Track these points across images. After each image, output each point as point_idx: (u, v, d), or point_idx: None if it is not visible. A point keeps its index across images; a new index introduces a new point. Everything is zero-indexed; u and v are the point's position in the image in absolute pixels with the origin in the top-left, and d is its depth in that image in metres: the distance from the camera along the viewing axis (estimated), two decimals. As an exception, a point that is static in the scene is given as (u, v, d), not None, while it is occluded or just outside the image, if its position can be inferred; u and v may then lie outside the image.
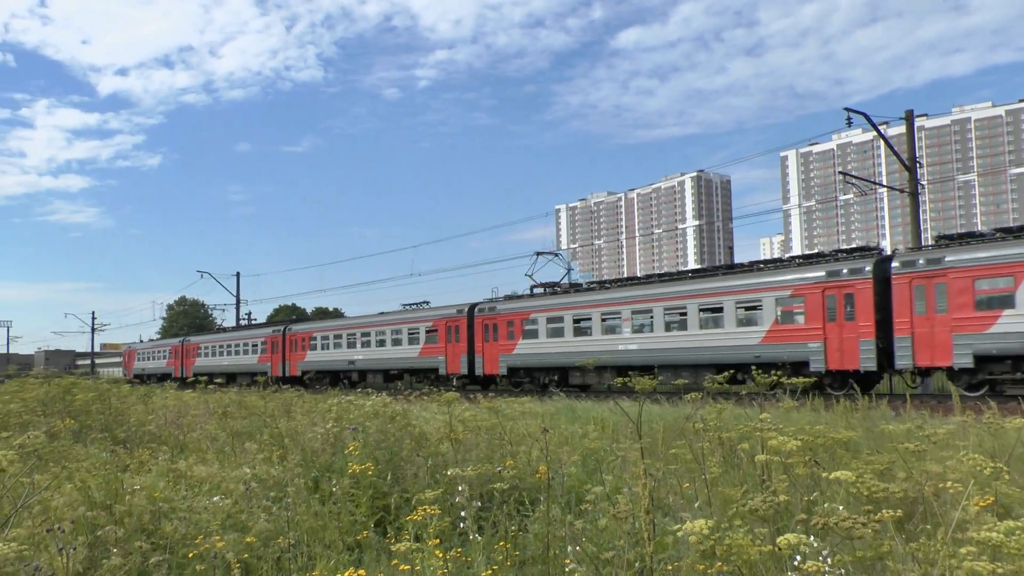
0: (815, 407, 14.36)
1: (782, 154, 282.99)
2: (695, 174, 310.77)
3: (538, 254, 44.00)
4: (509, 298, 40.14)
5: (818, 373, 26.07)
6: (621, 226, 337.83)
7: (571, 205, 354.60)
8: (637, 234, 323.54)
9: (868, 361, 25.31)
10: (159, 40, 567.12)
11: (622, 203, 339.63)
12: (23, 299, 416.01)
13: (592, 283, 38.31)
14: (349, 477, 6.99)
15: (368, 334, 47.61)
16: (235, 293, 78.84)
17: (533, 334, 36.47)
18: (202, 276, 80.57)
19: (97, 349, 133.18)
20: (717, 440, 6.76)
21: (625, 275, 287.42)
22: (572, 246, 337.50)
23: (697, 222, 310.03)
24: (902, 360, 24.75)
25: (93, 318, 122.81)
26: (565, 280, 42.55)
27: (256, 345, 58.92)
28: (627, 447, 7.00)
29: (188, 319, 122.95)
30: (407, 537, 5.68)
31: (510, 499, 6.23)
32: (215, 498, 6.57)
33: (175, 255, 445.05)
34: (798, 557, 3.49)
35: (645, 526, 4.45)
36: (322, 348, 51.55)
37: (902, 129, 35.32)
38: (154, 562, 5.49)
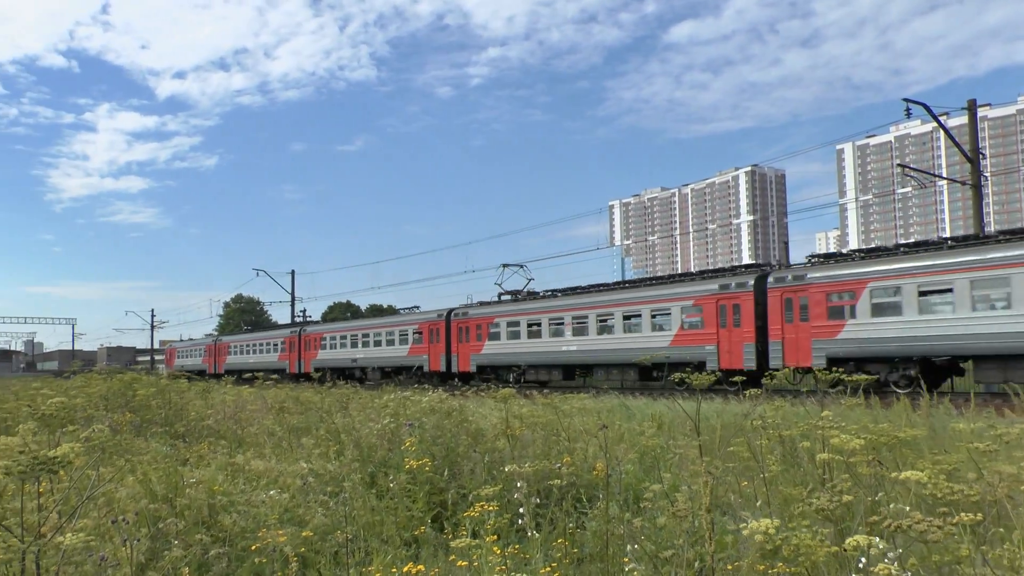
0: (870, 405, 14.07)
1: (838, 147, 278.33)
2: (749, 168, 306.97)
3: (504, 266, 49.65)
4: (481, 304, 45.63)
5: (713, 371, 25.79)
6: (675, 222, 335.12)
7: (624, 201, 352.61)
8: (691, 230, 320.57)
9: (750, 362, 29.37)
10: (215, 43, 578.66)
11: (676, 199, 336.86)
12: (87, 297, 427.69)
13: (546, 292, 42.66)
14: (406, 473, 6.99)
15: (368, 335, 53.36)
16: (290, 290, 79.85)
17: (496, 336, 41.87)
18: (258, 274, 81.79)
19: (156, 346, 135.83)
20: (777, 438, 6.63)
21: (679, 271, 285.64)
22: (625, 242, 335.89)
23: (751, 217, 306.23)
24: (774, 361, 28.68)
25: (152, 316, 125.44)
26: (528, 288, 46.82)
27: (277, 344, 64.84)
28: (685, 444, 6.90)
29: (244, 316, 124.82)
30: (464, 533, 5.66)
31: (568, 496, 6.17)
32: (272, 492, 6.62)
33: (231, 253, 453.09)
34: (863, 559, 3.39)
35: (706, 525, 4.36)
36: (330, 347, 57.22)
37: (964, 119, 34.38)
38: (214, 554, 5.55)
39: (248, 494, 6.48)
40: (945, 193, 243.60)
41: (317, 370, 52.35)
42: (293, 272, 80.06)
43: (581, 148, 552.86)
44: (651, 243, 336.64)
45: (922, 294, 25.31)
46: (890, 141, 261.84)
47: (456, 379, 44.12)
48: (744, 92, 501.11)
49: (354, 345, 53.86)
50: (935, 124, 34.74)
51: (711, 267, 36.23)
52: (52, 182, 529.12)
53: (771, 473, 6.23)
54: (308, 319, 78.15)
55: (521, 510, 5.66)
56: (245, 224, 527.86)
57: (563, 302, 38.68)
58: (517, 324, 40.26)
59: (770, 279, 29.67)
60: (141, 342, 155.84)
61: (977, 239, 26.40)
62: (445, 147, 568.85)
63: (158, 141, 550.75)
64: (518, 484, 5.73)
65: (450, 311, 45.95)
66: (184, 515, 6.06)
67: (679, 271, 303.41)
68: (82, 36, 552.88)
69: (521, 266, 49.62)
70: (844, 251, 31.51)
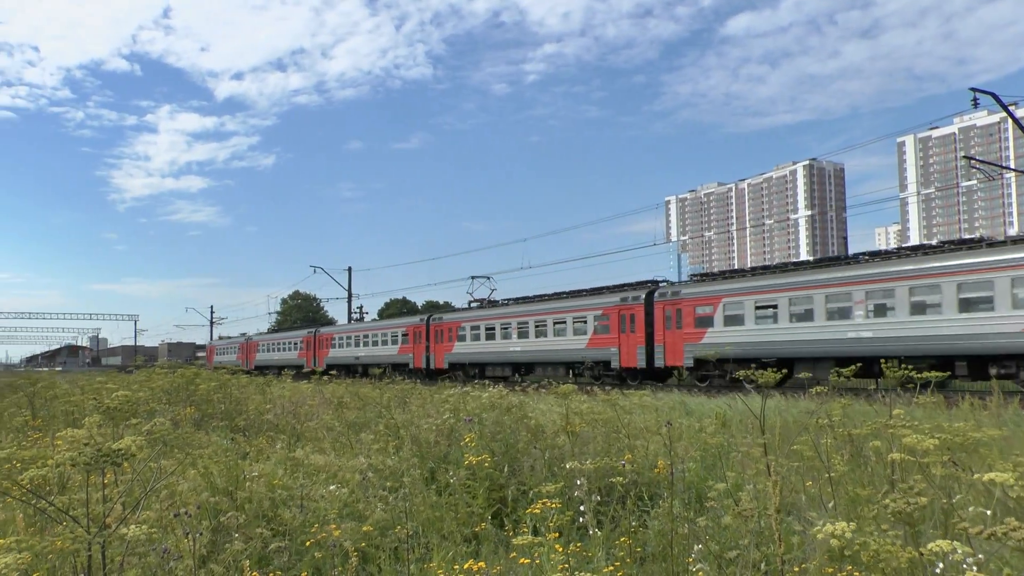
0: (935, 403, 13.69)
1: (899, 139, 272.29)
2: (807, 162, 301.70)
3: (473, 278, 56.03)
4: (453, 310, 54.36)
5: (616, 369, 37.80)
6: (731, 217, 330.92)
7: (681, 196, 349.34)
8: (748, 225, 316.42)
9: (641, 361, 36.41)
10: (273, 44, 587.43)
11: (732, 194, 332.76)
12: (149, 294, 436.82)
13: (504, 300, 49.71)
14: (465, 469, 6.94)
15: (367, 336, 59.13)
16: (347, 287, 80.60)
17: (463, 338, 48.69)
18: (315, 271, 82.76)
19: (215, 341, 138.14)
20: (844, 437, 6.44)
21: (736, 267, 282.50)
22: (682, 238, 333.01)
23: (809, 212, 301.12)
24: (658, 361, 35.69)
25: (212, 312, 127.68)
26: (491, 297, 53.92)
27: (296, 343, 69.86)
28: (750, 443, 6.75)
29: (301, 313, 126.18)
30: (525, 530, 5.59)
31: (631, 494, 6.06)
32: (332, 487, 6.62)
33: (289, 251, 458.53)
34: (940, 565, 3.25)
35: (776, 526, 4.23)
36: (339, 347, 62.58)
37: (1034, 110, 33.35)
38: (274, 548, 5.55)
39: (308, 488, 6.48)
40: (1013, 186, 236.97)
41: (328, 366, 54.78)
42: (350, 269, 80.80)
43: (637, 143, 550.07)
44: (707, 239, 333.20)
45: (758, 308, 31.60)
46: (954, 133, 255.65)
47: (434, 374, 49.24)
48: (802, 85, 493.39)
49: (358, 344, 60.47)
50: (1002, 114, 33.83)
51: (558, 292, 45.19)
52: (116, 182, 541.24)
53: (836, 473, 6.05)
54: (364, 315, 78.94)
55: (583, 507, 5.58)
56: (302, 222, 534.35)
57: (511, 310, 45.44)
58: (478, 328, 47.05)
59: (656, 294, 36.70)
60: (201, 338, 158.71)
61: (798, 264, 33.44)
62: (501, 144, 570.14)
63: (217, 141, 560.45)
64: (578, 481, 5.64)
65: (429, 316, 53.45)
66: (244, 508, 6.08)
67: (736, 267, 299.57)
68: (144, 40, 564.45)
69: (487, 277, 56.54)
70: (714, 271, 41.17)
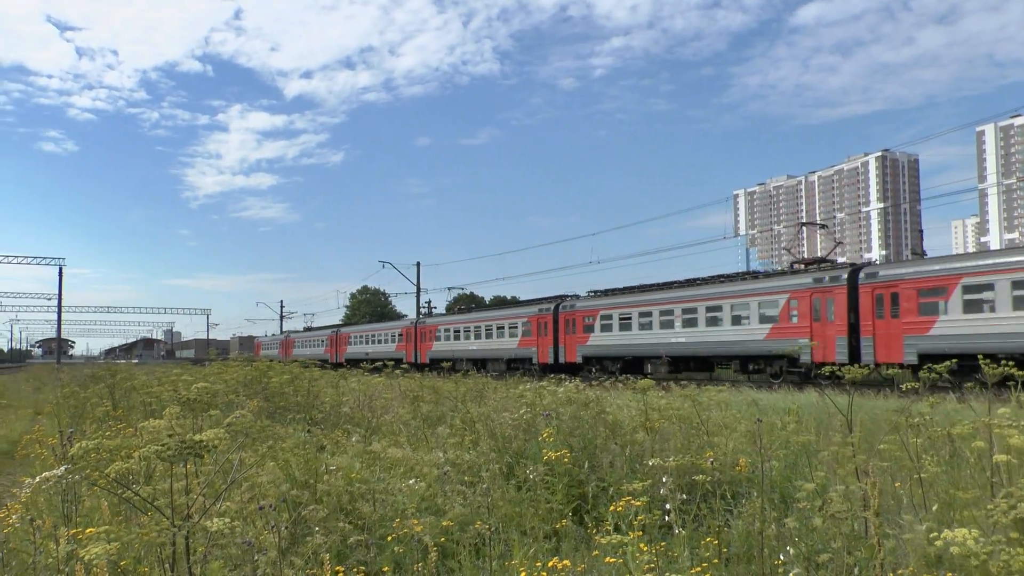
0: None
1: (978, 129, 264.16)
2: (880, 154, 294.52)
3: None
4: (431, 315, 64.45)
5: (535, 365, 46.84)
6: (801, 210, 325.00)
7: (749, 190, 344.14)
8: (818, 219, 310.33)
9: (552, 358, 46.15)
10: (342, 43, 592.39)
11: (802, 186, 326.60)
12: (221, 289, 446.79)
13: (470, 305, 59.86)
14: (544, 464, 6.84)
15: (480, 327, 55.73)
16: (415, 282, 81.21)
17: (439, 338, 58.33)
18: (384, 266, 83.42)
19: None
20: (940, 436, 6.18)
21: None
22: (750, 232, 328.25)
23: (882, 205, 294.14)
24: (562, 358, 45.39)
25: (281, 306, 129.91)
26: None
27: (394, 335, 67.79)
28: (840, 441, 6.51)
29: (370, 307, 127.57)
30: (608, 527, 5.47)
31: (716, 492, 5.90)
32: (411, 481, 6.58)
33: (357, 246, 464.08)
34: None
35: (875, 529, 4.04)
36: (445, 339, 60.25)
37: (1125, 98, 31.77)
38: (353, 542, 5.53)
39: (386, 482, 6.45)
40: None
41: (432, 360, 58.90)
42: (418, 264, 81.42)
43: (705, 137, 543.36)
44: (776, 232, 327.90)
45: (621, 319, 41.06)
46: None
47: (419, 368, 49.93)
48: (875, 74, 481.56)
49: (468, 337, 55.75)
50: (1092, 102, 32.39)
51: (501, 301, 49.36)
52: (188, 180, 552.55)
53: (929, 474, 5.81)
54: (432, 310, 79.35)
55: (668, 506, 5.44)
56: (370, 218, 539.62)
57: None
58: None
59: (560, 307, 47.08)
60: (272, 332, 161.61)
61: (655, 286, 41.43)
62: (568, 139, 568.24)
63: (286, 139, 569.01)
64: (663, 479, 5.50)
65: (415, 320, 56.32)
66: (323, 501, 6.07)
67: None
68: (216, 41, 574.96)
69: (462, 289, 59.70)
70: (605, 289, 47.08)
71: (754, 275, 38.04)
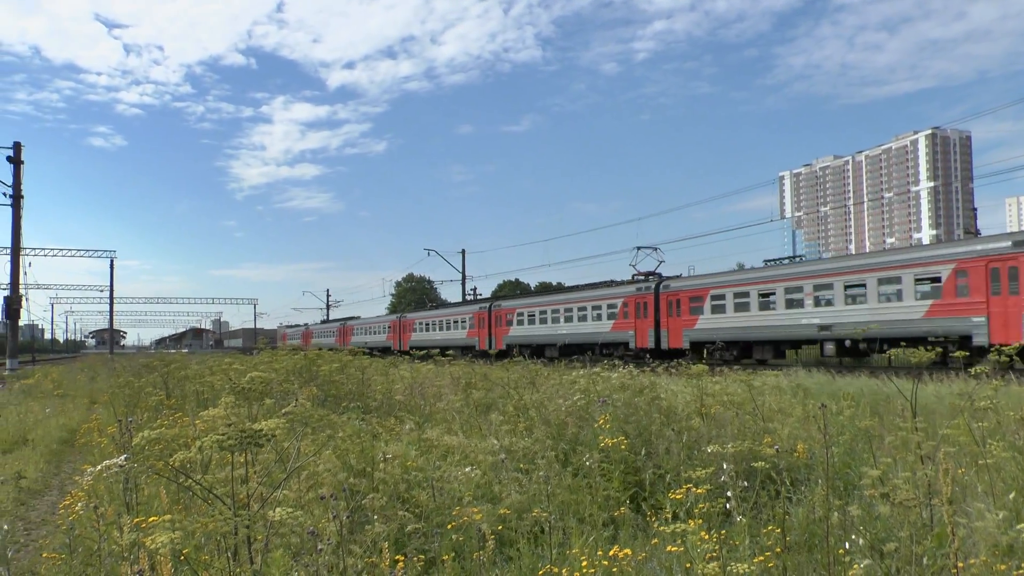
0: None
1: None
2: (930, 132, 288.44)
3: (638, 248, 54.43)
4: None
5: (631, 350, 42.03)
6: (848, 192, 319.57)
7: (795, 171, 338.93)
8: (865, 199, 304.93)
9: (652, 342, 41.02)
10: (383, 33, 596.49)
11: (849, 167, 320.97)
12: (268, 279, 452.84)
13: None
14: (600, 451, 6.79)
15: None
16: (460, 269, 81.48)
17: (516, 323, 55.63)
18: (429, 254, 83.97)
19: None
20: (1010, 421, 6.04)
21: (853, 244, 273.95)
22: (796, 214, 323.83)
23: (932, 184, 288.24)
24: (664, 343, 40.42)
25: (328, 295, 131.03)
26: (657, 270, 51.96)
27: (465, 320, 63.86)
28: (905, 426, 6.37)
29: (415, 295, 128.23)
30: (667, 515, 5.42)
31: (777, 479, 5.81)
32: (467, 468, 6.58)
33: (402, 234, 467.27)
34: None
35: (948, 518, 3.94)
36: (522, 323, 56.74)
37: None
38: (411, 530, 5.54)
39: (442, 470, 6.46)
40: None
41: (509, 347, 51.18)
42: (463, 251, 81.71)
43: (749, 119, 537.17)
44: (823, 214, 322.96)
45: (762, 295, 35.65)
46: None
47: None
48: (924, 50, 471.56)
49: (548, 321, 50.41)
50: None
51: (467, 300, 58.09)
52: (234, 172, 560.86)
53: (994, 460, 5.68)
54: (478, 297, 79.51)
55: (728, 494, 5.37)
56: (414, 206, 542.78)
57: (808, 267, 34.19)
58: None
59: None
60: (317, 320, 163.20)
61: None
62: (612, 123, 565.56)
63: (330, 129, 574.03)
64: (724, 466, 5.43)
65: (659, 281, 42.15)
66: (381, 490, 6.09)
67: (853, 243, 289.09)
68: (259, 34, 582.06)
69: (655, 248, 50.77)
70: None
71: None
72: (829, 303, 31.64)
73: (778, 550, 4.98)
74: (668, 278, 42.75)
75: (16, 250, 47.24)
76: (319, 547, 4.62)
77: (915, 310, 28.49)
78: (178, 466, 4.31)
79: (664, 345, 40.29)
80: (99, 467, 5.73)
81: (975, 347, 26.04)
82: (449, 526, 5.57)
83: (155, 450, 4.67)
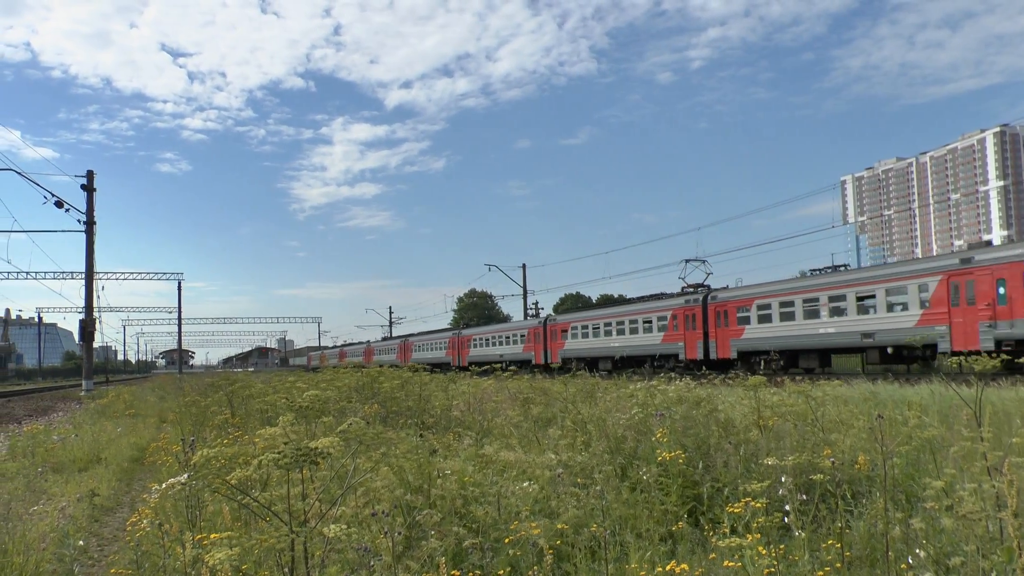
0: None
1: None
2: (998, 129, 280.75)
3: (686, 261, 53.44)
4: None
5: (682, 361, 42.53)
6: (913, 194, 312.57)
7: (857, 175, 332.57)
8: (931, 201, 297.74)
9: (701, 354, 41.40)
10: (439, 51, 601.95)
11: (913, 168, 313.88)
12: (331, 297, 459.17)
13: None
14: (657, 465, 6.74)
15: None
16: (522, 284, 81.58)
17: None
18: (490, 269, 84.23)
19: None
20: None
21: (919, 247, 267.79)
22: (859, 219, 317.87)
23: (1001, 183, 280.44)
24: (713, 354, 40.82)
25: (390, 312, 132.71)
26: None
27: (520, 336, 63.53)
28: (969, 436, 6.20)
29: (477, 311, 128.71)
30: (724, 530, 5.36)
31: (836, 492, 5.70)
32: (524, 483, 6.57)
33: (463, 250, 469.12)
34: None
35: (1013, 532, 3.83)
36: (581, 337, 55.07)
37: None
38: (468, 545, 5.55)
39: (499, 485, 6.46)
40: None
41: (565, 360, 52.05)
42: (524, 266, 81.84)
43: (808, 123, 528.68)
44: (887, 218, 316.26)
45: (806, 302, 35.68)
46: None
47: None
48: (989, 46, 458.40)
49: (607, 333, 50.50)
50: None
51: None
52: (295, 193, 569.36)
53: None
54: (539, 311, 79.52)
55: (787, 507, 5.29)
56: (474, 221, 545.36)
57: (827, 280, 35.03)
58: (815, 300, 35.23)
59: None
60: (379, 337, 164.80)
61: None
62: (669, 133, 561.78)
63: (388, 148, 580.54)
64: (782, 479, 5.35)
65: (707, 293, 42.69)
66: (437, 505, 6.12)
67: (919, 246, 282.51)
68: (317, 57, 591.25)
69: (703, 261, 50.73)
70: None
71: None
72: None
73: (838, 565, 4.88)
74: (715, 290, 43.07)
75: (90, 274, 48.64)
76: (371, 564, 4.65)
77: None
78: (237, 483, 4.39)
79: (713, 355, 40.64)
80: (164, 485, 5.87)
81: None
82: (506, 541, 5.57)
83: (214, 468, 4.77)
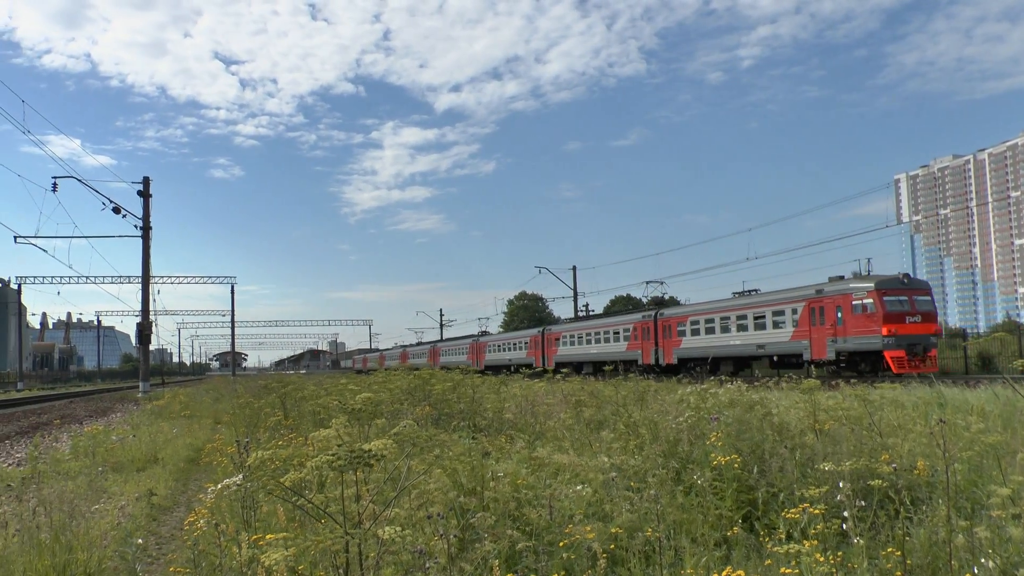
0: None
1: None
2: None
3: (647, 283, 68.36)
4: (556, 323, 72.93)
5: (640, 365, 49.69)
6: (970, 192, 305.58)
7: (911, 173, 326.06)
8: (990, 199, 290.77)
9: (657, 360, 49.38)
10: (488, 54, 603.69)
11: (970, 166, 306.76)
12: (382, 300, 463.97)
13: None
14: (711, 469, 6.67)
15: (598, 333, 58.21)
16: (572, 286, 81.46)
17: (563, 344, 62.00)
18: (540, 271, 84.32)
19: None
20: None
21: (977, 247, 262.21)
22: (914, 218, 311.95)
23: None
24: (662, 360, 48.87)
25: (441, 315, 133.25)
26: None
27: (524, 342, 69.48)
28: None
29: (527, 313, 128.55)
30: (780, 536, 5.28)
31: (896, 498, 5.59)
32: (577, 486, 6.55)
33: (513, 253, 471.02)
34: None
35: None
36: (569, 344, 62.58)
37: None
38: (521, 548, 5.55)
39: (552, 488, 6.45)
40: None
41: (558, 364, 59.14)
42: (574, 268, 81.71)
43: (861, 121, 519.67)
44: (943, 217, 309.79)
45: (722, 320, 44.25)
46: None
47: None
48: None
49: (587, 342, 58.61)
50: None
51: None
52: (346, 197, 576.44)
53: None
54: (590, 313, 79.25)
55: (845, 513, 5.19)
56: (525, 224, 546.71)
57: (737, 303, 44.49)
58: (712, 322, 45.18)
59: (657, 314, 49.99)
60: (427, 339, 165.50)
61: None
62: (719, 133, 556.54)
63: (439, 152, 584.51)
64: (840, 484, 5.26)
65: (656, 311, 51.12)
66: (491, 508, 6.13)
67: (978, 246, 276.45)
68: (367, 63, 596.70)
69: (661, 282, 60.87)
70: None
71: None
72: (607, 341, 53.52)
73: (898, 574, 4.78)
74: (664, 307, 52.92)
75: (146, 278, 49.62)
76: (426, 565, 4.66)
77: (621, 346, 51.43)
78: (291, 485, 4.43)
79: (662, 361, 48.87)
80: (219, 486, 5.96)
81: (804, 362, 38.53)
82: (560, 544, 5.56)
83: (268, 469, 4.83)
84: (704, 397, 8.67)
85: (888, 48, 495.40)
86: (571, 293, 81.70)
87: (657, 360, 49.09)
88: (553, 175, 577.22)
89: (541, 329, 67.96)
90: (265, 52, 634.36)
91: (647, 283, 72.58)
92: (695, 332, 46.08)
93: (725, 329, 43.64)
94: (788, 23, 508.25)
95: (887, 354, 33.16)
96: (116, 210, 46.03)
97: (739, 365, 43.37)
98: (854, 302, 34.80)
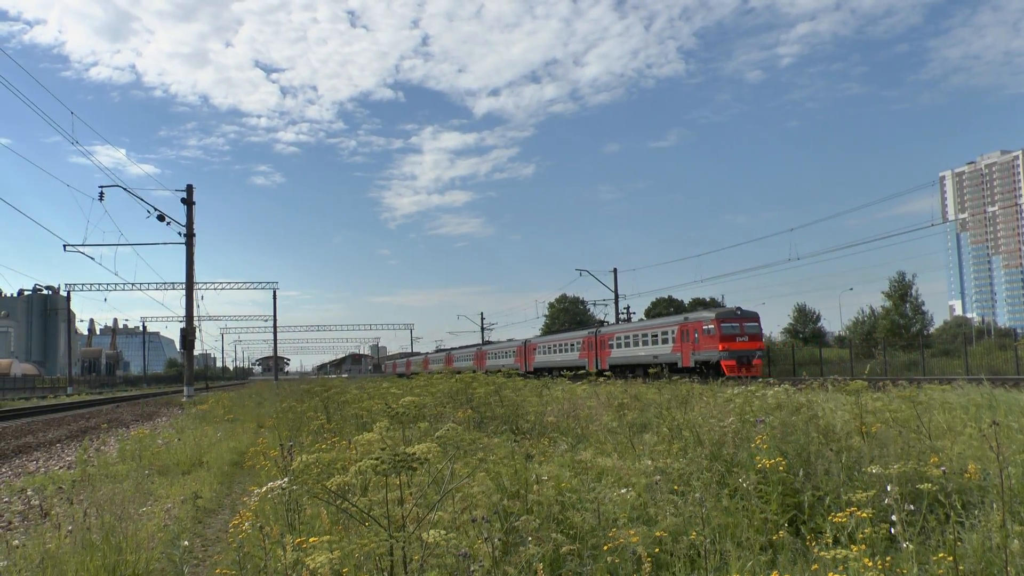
0: None
1: None
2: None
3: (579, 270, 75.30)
4: (604, 325, 75.88)
5: (585, 369, 56.38)
6: (1019, 189, 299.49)
7: (957, 170, 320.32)
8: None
9: (595, 366, 61.27)
10: (526, 58, 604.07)
11: (1019, 162, 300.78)
12: (423, 304, 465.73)
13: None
14: (756, 472, 6.60)
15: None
16: (613, 288, 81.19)
17: (614, 346, 64.70)
18: (581, 274, 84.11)
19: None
20: None
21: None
22: (960, 216, 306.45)
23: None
24: (597, 366, 62.60)
25: (482, 318, 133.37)
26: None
27: (576, 344, 71.46)
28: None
29: (568, 316, 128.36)
30: (827, 540, 5.21)
31: (946, 502, 5.48)
32: (621, 490, 6.52)
33: (553, 256, 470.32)
34: None
35: None
36: (620, 347, 66.17)
37: None
38: (566, 551, 5.53)
39: (596, 491, 6.43)
40: None
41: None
42: (615, 270, 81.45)
43: (904, 118, 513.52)
44: (991, 215, 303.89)
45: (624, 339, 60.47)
46: None
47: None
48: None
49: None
50: None
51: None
52: (386, 202, 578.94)
53: None
54: (631, 316, 79.03)
55: (893, 517, 5.10)
56: (564, 227, 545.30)
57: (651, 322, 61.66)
58: (629, 337, 59.70)
59: (596, 331, 65.33)
60: (468, 343, 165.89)
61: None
62: (759, 133, 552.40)
63: (478, 156, 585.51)
64: (888, 488, 5.17)
65: (597, 328, 67.73)
66: (534, 511, 6.12)
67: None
68: (406, 68, 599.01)
69: (606, 303, 71.91)
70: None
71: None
72: (654, 343, 57.21)
73: (950, 578, 4.69)
74: (601, 325, 70.45)
75: (190, 284, 50.29)
76: (471, 569, 4.66)
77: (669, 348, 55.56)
78: (336, 488, 4.46)
79: (600, 367, 58.94)
80: (263, 489, 6.00)
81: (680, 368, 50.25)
82: (604, 548, 5.53)
83: (312, 473, 4.86)
84: (750, 400, 8.58)
85: (931, 43, 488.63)
86: (612, 295, 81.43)
87: (598, 366, 60.18)
88: (592, 177, 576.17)
89: (594, 330, 68.34)
90: (305, 60, 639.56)
91: (594, 304, 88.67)
92: (618, 346, 61.39)
93: (635, 344, 58.52)
94: (828, 19, 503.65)
95: (723, 363, 46.27)
96: (160, 218, 46.70)
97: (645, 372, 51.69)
98: (704, 327, 48.89)
